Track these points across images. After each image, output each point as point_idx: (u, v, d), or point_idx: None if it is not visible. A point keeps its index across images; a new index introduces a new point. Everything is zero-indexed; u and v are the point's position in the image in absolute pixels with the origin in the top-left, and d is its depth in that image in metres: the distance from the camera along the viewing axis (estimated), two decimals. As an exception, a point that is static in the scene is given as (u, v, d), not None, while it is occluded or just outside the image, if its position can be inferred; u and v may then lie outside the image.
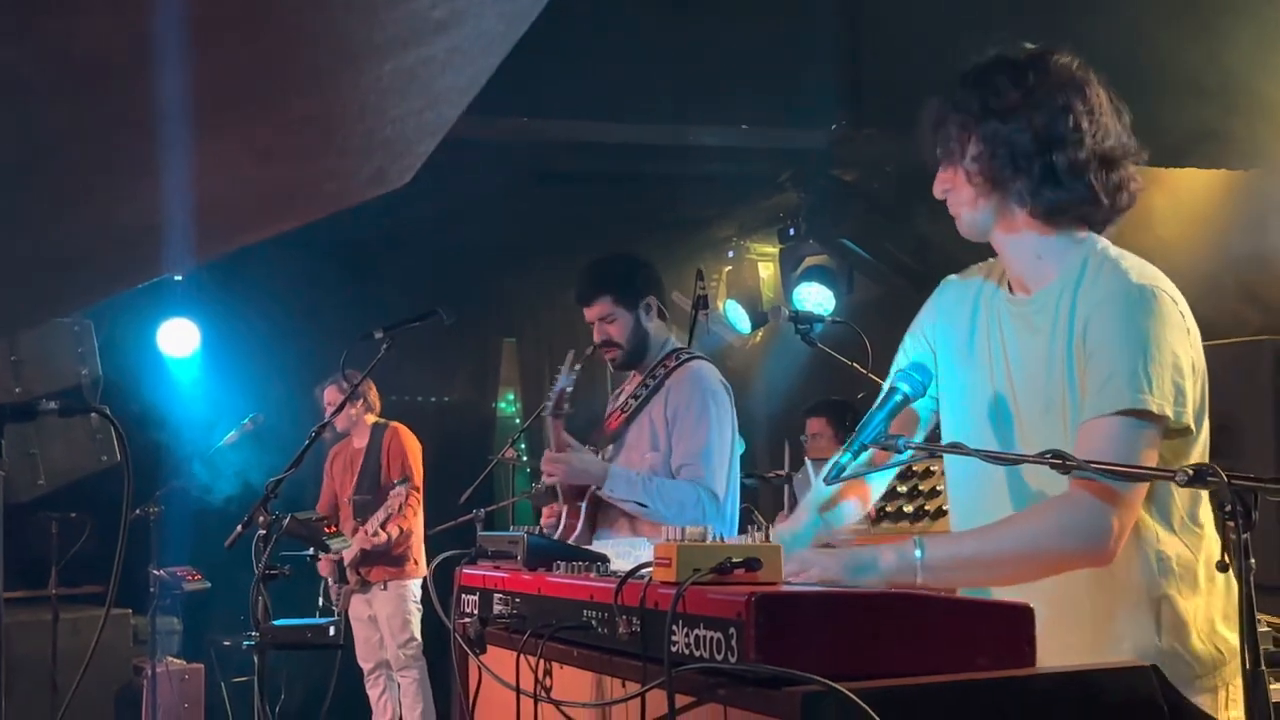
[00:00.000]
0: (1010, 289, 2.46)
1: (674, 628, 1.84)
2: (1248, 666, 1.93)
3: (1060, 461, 2.11)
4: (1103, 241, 2.38)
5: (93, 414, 3.70)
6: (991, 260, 2.53)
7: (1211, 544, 2.33)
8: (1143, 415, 2.19)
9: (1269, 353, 4.94)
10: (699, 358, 4.25)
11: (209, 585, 7.74)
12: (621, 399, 4.37)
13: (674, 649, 1.84)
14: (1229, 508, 1.93)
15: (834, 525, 2.56)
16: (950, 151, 2.39)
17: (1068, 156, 2.30)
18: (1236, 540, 1.93)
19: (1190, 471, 1.97)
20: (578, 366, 4.16)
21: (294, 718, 7.52)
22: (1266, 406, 4.82)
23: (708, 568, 1.88)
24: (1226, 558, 1.92)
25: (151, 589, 7.31)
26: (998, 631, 1.78)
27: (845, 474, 2.36)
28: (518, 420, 10.62)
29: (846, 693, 1.61)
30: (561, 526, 4.26)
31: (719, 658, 1.76)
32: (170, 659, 7.56)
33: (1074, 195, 2.33)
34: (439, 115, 1.88)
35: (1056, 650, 1.95)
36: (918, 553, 2.16)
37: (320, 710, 6.63)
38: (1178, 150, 5.30)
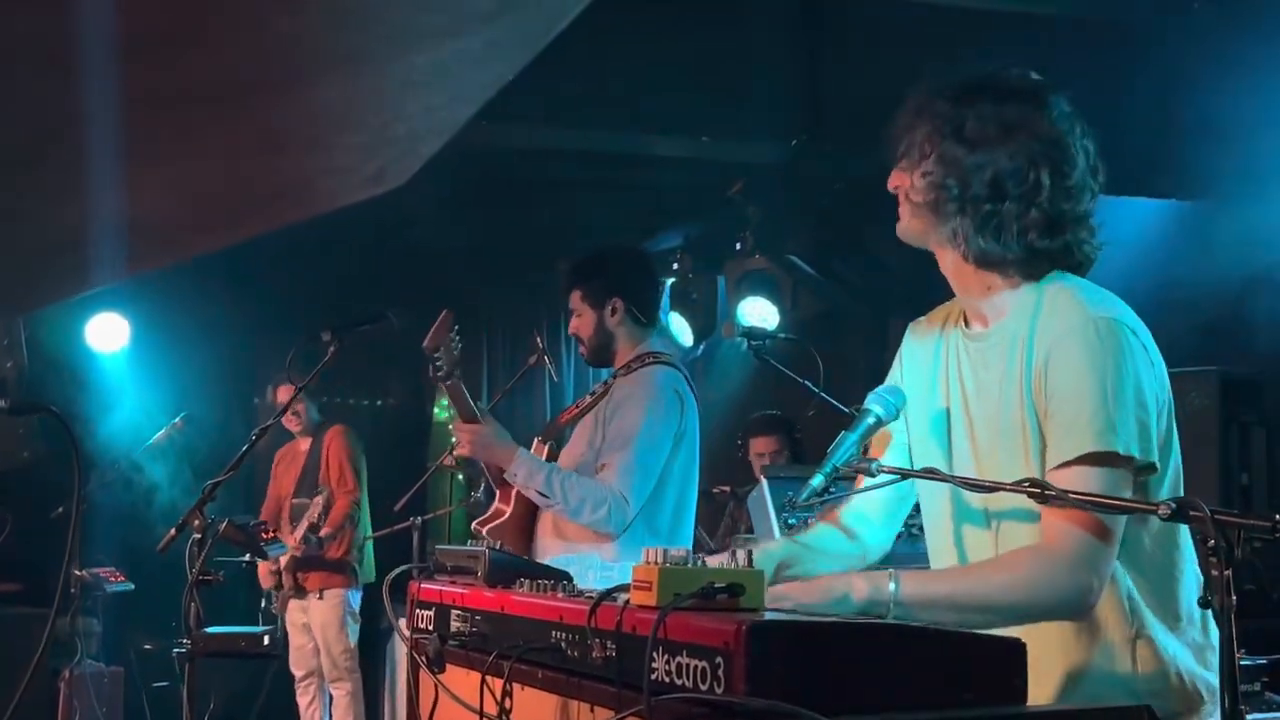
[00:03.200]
0: (967, 323, 2.42)
1: (654, 654, 1.78)
2: (1227, 705, 1.91)
3: (1039, 491, 2.09)
4: (1058, 272, 2.31)
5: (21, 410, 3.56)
6: (955, 300, 2.49)
7: (1186, 583, 2.31)
8: (1110, 457, 2.15)
9: (1214, 382, 5.00)
10: (664, 363, 4.18)
11: (132, 586, 7.56)
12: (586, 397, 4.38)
13: (653, 676, 1.78)
14: (1212, 543, 1.91)
15: (809, 549, 2.51)
16: (910, 155, 2.32)
17: (1016, 212, 2.23)
18: (1219, 577, 1.91)
19: (1173, 505, 1.95)
20: (456, 326, 4.04)
21: (217, 726, 7.35)
22: (1212, 436, 4.88)
23: (689, 592, 1.82)
24: (1210, 595, 1.90)
25: (72, 590, 7.11)
26: (988, 667, 1.74)
27: (821, 498, 2.31)
28: (450, 427, 10.50)
29: (837, 727, 1.56)
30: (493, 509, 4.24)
31: (703, 687, 1.70)
32: (89, 662, 7.36)
33: (1008, 253, 2.26)
34: (453, 114, 1.81)
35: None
36: (892, 586, 2.11)
37: (246, 718, 6.49)
38: (1127, 180, 5.35)
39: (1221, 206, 5.32)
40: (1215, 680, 2.24)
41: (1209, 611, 2.25)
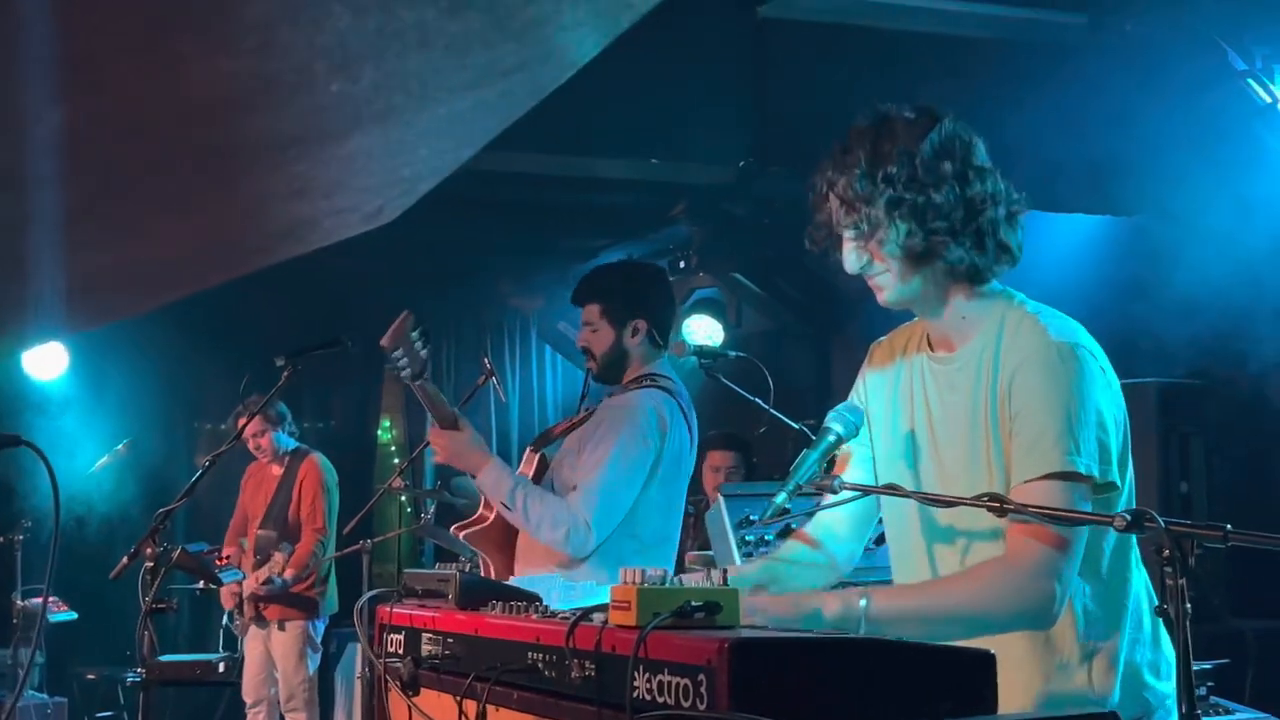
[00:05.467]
0: (932, 347, 2.48)
1: (635, 673, 1.81)
2: (1184, 710, 1.98)
3: (997, 505, 2.15)
4: (1020, 296, 2.41)
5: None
6: (913, 322, 2.54)
7: (1135, 594, 2.38)
8: (1071, 476, 2.22)
9: (1153, 394, 5.11)
10: (660, 386, 4.01)
11: (75, 615, 7.46)
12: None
13: (634, 695, 1.81)
14: (1166, 553, 1.97)
15: (788, 564, 2.56)
16: (865, 233, 2.33)
17: (991, 219, 2.33)
18: (1174, 585, 1.97)
19: (1128, 517, 2.02)
20: (419, 328, 3.86)
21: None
22: (1151, 448, 4.97)
23: (667, 611, 1.86)
24: (1166, 604, 1.97)
25: (15, 620, 7.01)
26: (962, 678, 1.79)
27: (783, 515, 2.36)
28: (394, 448, 10.46)
29: (818, 740, 1.60)
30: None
31: (685, 704, 1.73)
32: (31, 693, 7.24)
33: (995, 256, 2.35)
34: (456, 156, 1.84)
35: None
36: (863, 603, 2.17)
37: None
38: (1066, 197, 5.47)
39: (1158, 222, 5.44)
40: (1164, 688, 2.33)
41: (1159, 622, 2.34)
